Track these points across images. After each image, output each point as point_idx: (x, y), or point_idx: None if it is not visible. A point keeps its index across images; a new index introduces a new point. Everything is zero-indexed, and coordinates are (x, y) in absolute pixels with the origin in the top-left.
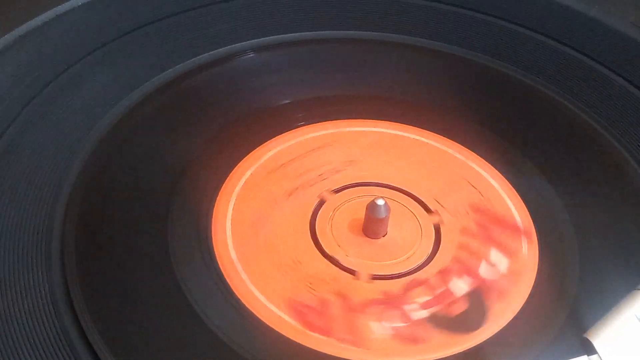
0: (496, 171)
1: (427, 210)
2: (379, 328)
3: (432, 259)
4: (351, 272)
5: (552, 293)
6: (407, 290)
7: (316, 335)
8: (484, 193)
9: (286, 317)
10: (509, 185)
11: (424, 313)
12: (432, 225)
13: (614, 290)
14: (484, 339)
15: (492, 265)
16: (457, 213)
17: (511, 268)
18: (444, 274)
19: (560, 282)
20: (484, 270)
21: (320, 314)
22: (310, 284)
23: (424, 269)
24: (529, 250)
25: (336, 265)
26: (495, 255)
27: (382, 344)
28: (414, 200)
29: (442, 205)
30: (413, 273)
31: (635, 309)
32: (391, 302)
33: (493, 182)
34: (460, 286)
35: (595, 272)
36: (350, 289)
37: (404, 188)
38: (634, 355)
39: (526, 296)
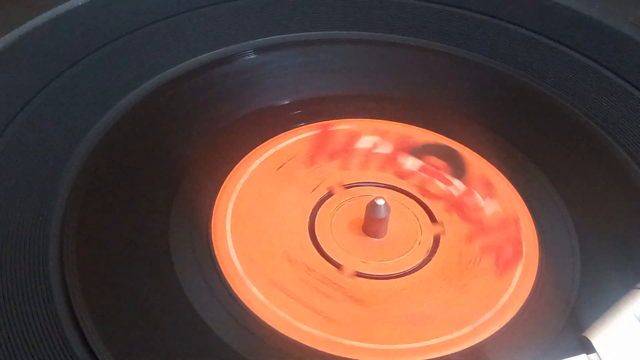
0: (495, 169)
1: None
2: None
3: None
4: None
5: (552, 293)
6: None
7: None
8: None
9: (287, 317)
10: (510, 185)
11: None
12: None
13: (614, 290)
14: (484, 339)
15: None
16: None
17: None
18: None
19: (560, 282)
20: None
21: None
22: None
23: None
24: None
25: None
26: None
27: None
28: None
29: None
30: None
31: (634, 307)
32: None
33: (493, 182)
34: None
35: (596, 271)
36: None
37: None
38: (633, 353)
39: (526, 296)
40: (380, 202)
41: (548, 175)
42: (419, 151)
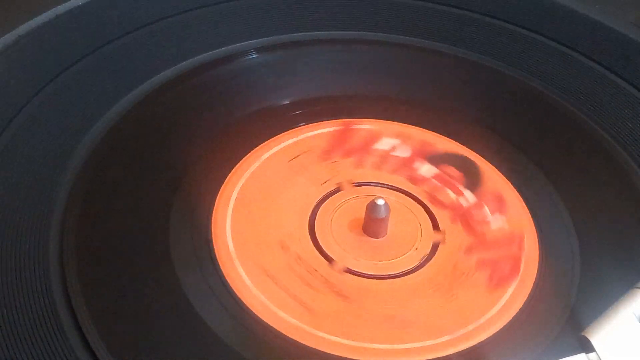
0: (495, 169)
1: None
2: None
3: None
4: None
5: (552, 293)
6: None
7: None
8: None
9: (287, 317)
10: (510, 185)
11: None
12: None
13: (614, 290)
14: (484, 339)
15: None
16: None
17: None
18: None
19: (560, 282)
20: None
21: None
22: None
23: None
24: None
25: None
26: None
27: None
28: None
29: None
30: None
31: (634, 307)
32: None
33: (493, 182)
34: None
35: (595, 271)
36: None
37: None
38: (632, 353)
39: (526, 296)
40: (380, 202)
41: (547, 175)
42: (438, 159)
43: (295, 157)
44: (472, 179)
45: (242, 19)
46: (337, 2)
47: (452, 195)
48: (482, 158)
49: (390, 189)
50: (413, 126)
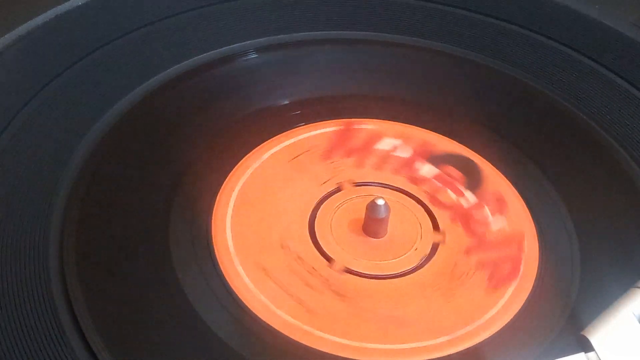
0: (495, 169)
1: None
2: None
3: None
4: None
5: (552, 293)
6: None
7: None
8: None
9: (286, 317)
10: (510, 185)
11: None
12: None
13: (613, 290)
14: (484, 339)
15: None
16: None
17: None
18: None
19: (560, 282)
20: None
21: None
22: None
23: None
24: (525, 274)
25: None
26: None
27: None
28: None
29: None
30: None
31: (633, 306)
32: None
33: (493, 182)
34: None
35: (595, 271)
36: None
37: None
38: (631, 352)
39: (526, 296)
40: (380, 202)
41: (547, 175)
42: (438, 159)
43: (295, 157)
44: (473, 179)
45: (242, 19)
46: (337, 2)
47: (452, 195)
48: (482, 158)
49: (390, 189)
50: (413, 126)
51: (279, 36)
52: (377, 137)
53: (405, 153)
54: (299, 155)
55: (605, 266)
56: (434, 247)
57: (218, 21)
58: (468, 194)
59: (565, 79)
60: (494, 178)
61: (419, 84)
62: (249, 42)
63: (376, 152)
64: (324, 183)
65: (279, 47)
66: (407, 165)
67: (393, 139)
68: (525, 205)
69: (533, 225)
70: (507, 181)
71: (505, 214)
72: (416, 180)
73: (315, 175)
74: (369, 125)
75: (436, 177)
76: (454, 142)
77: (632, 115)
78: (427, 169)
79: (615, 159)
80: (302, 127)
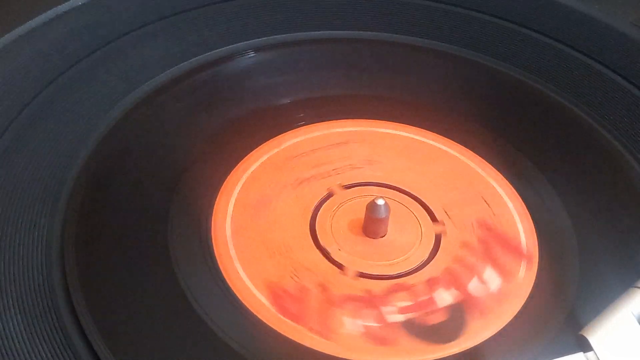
0: (495, 169)
1: (433, 218)
2: (351, 324)
3: (424, 267)
4: (339, 266)
5: (551, 293)
6: (390, 293)
7: (291, 322)
8: (490, 201)
9: (286, 317)
10: (510, 185)
11: (400, 317)
12: (434, 234)
13: (613, 289)
14: (484, 339)
15: (483, 283)
16: (462, 226)
17: (502, 289)
18: (432, 283)
19: (560, 282)
20: (473, 286)
21: (297, 301)
22: (296, 273)
23: (413, 274)
24: (525, 274)
25: (326, 257)
26: (489, 273)
27: (350, 339)
28: (422, 206)
29: (448, 216)
30: (401, 277)
31: (632, 306)
32: (370, 302)
33: (492, 181)
34: (445, 297)
35: (595, 271)
36: (335, 282)
37: (413, 193)
38: (630, 352)
39: (526, 296)
40: (380, 202)
41: (547, 175)
42: None
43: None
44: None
45: (241, 19)
46: (338, 2)
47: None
48: (482, 158)
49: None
50: (412, 126)
51: (278, 36)
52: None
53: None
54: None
55: (604, 266)
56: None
57: (218, 21)
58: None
59: (565, 79)
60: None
61: (419, 84)
62: (248, 42)
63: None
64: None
65: (279, 47)
66: None
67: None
68: (524, 205)
69: (533, 225)
70: (507, 181)
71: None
72: None
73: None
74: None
75: None
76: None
77: (632, 115)
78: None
79: (615, 159)
80: (302, 127)
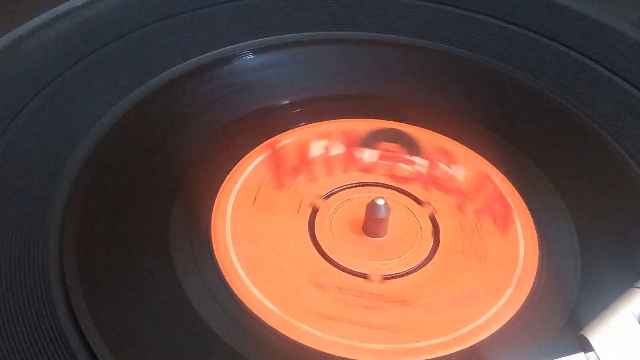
0: (495, 169)
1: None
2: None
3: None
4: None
5: (552, 293)
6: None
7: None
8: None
9: (287, 317)
10: (510, 185)
11: None
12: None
13: (613, 289)
14: (484, 339)
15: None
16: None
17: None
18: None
19: (560, 282)
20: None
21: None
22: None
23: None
24: (525, 274)
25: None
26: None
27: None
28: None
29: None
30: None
31: (632, 306)
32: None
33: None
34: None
35: (595, 271)
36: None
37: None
38: (630, 352)
39: (526, 296)
40: (381, 202)
41: (548, 175)
42: (369, 141)
43: (255, 197)
44: (410, 145)
45: (241, 19)
46: (338, 2)
47: (407, 167)
48: (482, 158)
49: (355, 186)
50: (412, 126)
51: (278, 36)
52: (304, 146)
53: (339, 149)
54: (257, 195)
55: (604, 266)
56: (433, 220)
57: (218, 21)
58: (417, 159)
59: (565, 79)
60: (424, 135)
61: (419, 84)
62: (248, 42)
63: (316, 160)
64: (299, 209)
65: (279, 47)
66: (349, 158)
67: (319, 142)
68: (525, 205)
69: (533, 224)
70: (508, 181)
71: (457, 161)
72: (367, 168)
73: (285, 206)
74: (290, 139)
75: (381, 158)
76: (374, 120)
77: (632, 115)
78: (367, 154)
79: (615, 159)
80: (300, 127)
